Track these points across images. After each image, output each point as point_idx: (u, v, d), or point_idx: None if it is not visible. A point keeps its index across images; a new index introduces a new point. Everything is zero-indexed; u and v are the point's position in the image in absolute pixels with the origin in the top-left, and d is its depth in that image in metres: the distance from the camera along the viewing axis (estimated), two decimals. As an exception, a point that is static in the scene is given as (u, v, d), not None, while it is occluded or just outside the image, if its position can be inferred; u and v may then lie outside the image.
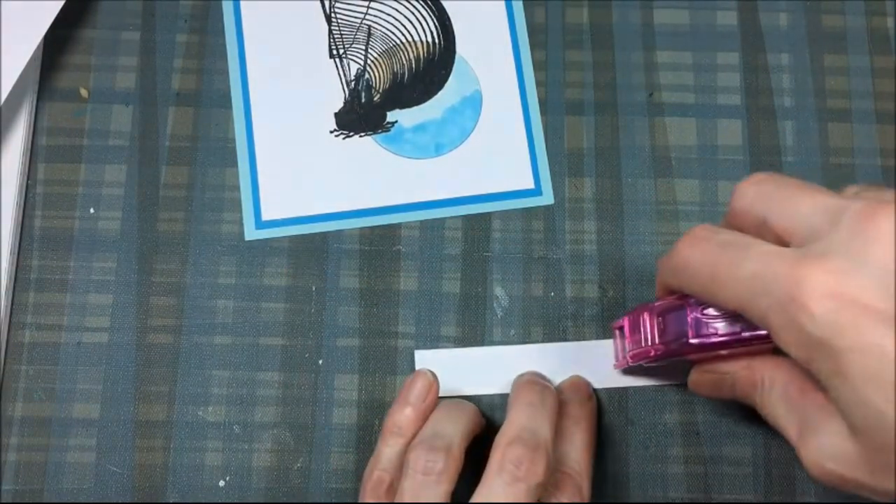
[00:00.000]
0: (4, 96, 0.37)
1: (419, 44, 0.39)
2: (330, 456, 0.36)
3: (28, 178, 0.38)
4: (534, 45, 0.40)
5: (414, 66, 0.39)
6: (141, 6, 0.40)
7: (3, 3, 0.37)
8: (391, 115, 0.39)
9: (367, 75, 0.39)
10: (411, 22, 0.39)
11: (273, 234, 0.38)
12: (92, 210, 0.38)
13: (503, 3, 0.40)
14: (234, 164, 0.39)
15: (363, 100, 0.39)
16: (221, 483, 0.36)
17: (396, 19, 0.40)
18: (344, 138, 0.39)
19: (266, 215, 0.38)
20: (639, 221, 0.38)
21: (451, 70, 0.39)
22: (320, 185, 0.38)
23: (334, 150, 0.39)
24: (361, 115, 0.39)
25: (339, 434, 0.36)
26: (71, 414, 0.36)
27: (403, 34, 0.39)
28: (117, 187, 0.38)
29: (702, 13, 0.41)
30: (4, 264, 0.37)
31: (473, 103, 0.39)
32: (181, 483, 0.36)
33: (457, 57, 0.40)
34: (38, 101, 0.39)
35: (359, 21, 0.39)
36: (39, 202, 0.38)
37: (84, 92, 0.39)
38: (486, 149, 0.39)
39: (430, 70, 0.39)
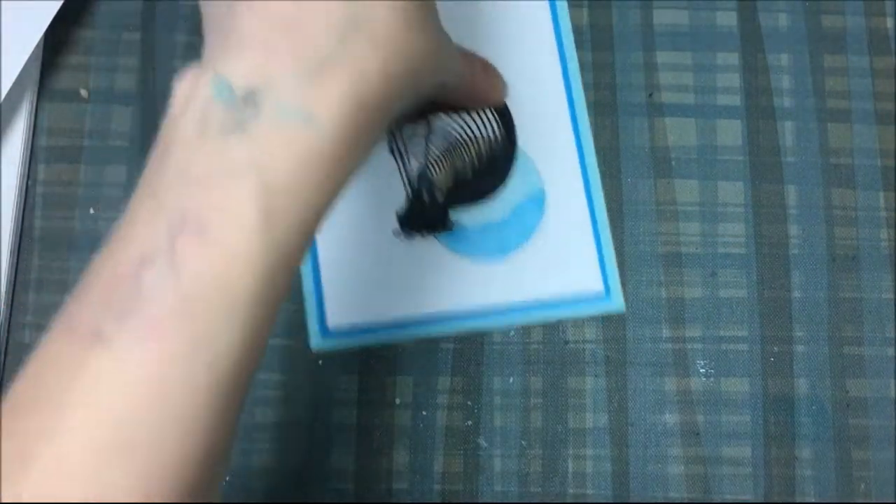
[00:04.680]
0: (4, 96, 0.37)
1: (480, 140, 0.38)
2: (330, 456, 0.36)
3: (28, 179, 0.38)
4: (534, 46, 0.40)
5: (476, 163, 0.38)
6: (141, 6, 0.40)
7: (2, 3, 0.37)
8: (454, 215, 0.38)
9: (429, 173, 0.37)
10: (472, 117, 0.38)
11: (340, 345, 0.37)
12: (92, 210, 0.38)
13: (564, 96, 0.39)
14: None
15: (426, 199, 0.37)
16: (222, 483, 0.36)
17: (457, 114, 0.38)
18: (407, 239, 0.37)
19: (331, 322, 0.37)
20: (639, 221, 0.38)
21: (513, 167, 0.38)
22: (383, 289, 0.37)
23: (397, 252, 0.37)
24: (424, 214, 0.37)
25: (339, 434, 0.36)
26: (71, 414, 0.36)
27: (465, 130, 0.38)
28: (117, 188, 0.38)
29: (702, 13, 0.41)
30: (4, 264, 0.37)
31: (537, 202, 0.38)
32: (181, 483, 0.36)
33: (519, 153, 0.38)
34: (38, 101, 0.39)
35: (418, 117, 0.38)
36: (39, 202, 0.38)
37: (84, 92, 0.39)
38: (551, 250, 0.37)
39: (492, 167, 0.38)
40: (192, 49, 0.40)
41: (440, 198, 0.37)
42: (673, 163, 0.39)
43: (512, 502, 0.36)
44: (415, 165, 0.38)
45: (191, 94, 0.22)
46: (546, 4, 0.39)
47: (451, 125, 0.37)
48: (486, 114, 0.38)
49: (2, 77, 0.37)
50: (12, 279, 0.37)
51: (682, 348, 0.37)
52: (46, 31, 0.38)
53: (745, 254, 0.38)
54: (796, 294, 0.38)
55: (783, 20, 0.41)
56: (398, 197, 0.38)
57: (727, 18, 0.41)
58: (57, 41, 0.40)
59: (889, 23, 0.41)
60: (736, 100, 0.40)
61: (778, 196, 0.39)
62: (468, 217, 0.38)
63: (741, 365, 0.37)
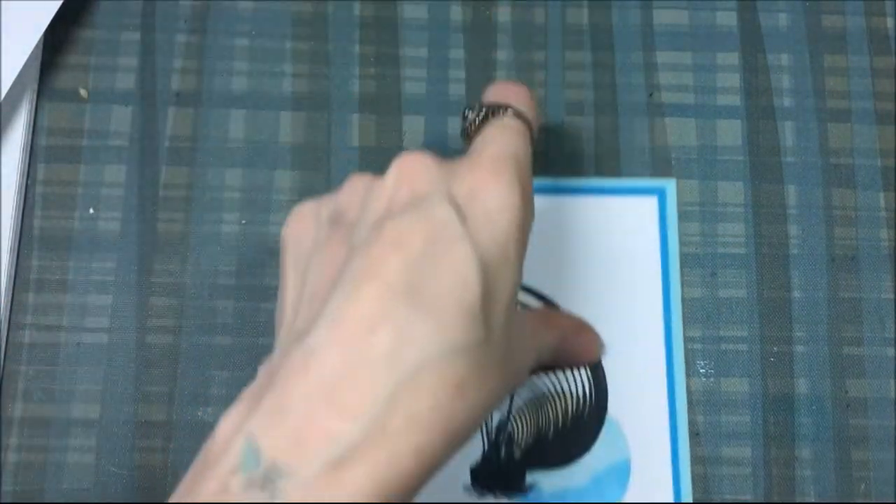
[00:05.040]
0: (4, 96, 0.37)
1: (568, 396, 0.35)
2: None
3: (28, 178, 0.38)
4: (534, 46, 0.40)
5: (561, 421, 0.35)
6: (141, 6, 0.40)
7: (2, 3, 0.37)
8: (530, 476, 0.35)
9: (510, 426, 0.35)
10: (563, 370, 0.36)
11: None
12: (92, 210, 0.38)
13: (664, 365, 0.36)
14: (234, 164, 0.39)
15: (503, 455, 0.35)
16: (221, 483, 0.36)
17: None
18: (477, 496, 0.35)
19: None
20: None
21: (600, 431, 0.35)
22: None
23: None
24: (499, 472, 0.35)
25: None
26: (71, 414, 0.36)
27: (553, 382, 0.35)
28: (117, 188, 0.38)
29: (702, 13, 0.41)
30: (4, 264, 0.37)
31: (621, 474, 0.35)
32: (181, 483, 0.36)
33: (608, 417, 0.36)
34: (37, 101, 0.39)
35: None
36: (39, 202, 0.38)
37: (84, 92, 0.39)
38: None
39: (577, 428, 0.35)
40: (192, 49, 0.40)
41: (518, 455, 0.35)
42: (673, 163, 0.39)
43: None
44: (496, 415, 0.35)
45: (230, 439, 0.22)
46: (659, 277, 0.37)
47: (539, 376, 0.35)
48: (578, 370, 0.36)
49: (2, 77, 0.37)
50: (12, 279, 0.37)
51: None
52: (46, 31, 0.38)
53: (745, 254, 0.38)
54: (796, 294, 0.38)
55: (783, 20, 0.41)
56: (474, 447, 0.35)
57: (727, 18, 0.41)
58: (57, 41, 0.40)
59: (889, 23, 0.41)
60: (736, 100, 0.40)
61: (778, 196, 0.39)
62: (545, 479, 0.35)
63: (741, 365, 0.37)
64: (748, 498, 0.36)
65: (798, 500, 0.36)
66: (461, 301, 0.23)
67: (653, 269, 0.37)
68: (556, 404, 0.35)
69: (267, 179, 0.39)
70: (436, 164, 0.25)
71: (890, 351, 0.37)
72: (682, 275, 0.38)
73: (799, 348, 0.37)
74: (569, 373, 0.35)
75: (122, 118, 0.39)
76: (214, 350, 0.37)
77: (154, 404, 0.36)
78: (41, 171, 0.38)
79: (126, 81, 0.39)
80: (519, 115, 0.28)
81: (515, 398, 0.35)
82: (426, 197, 0.24)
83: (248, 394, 0.23)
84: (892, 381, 0.37)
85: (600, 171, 0.39)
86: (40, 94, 0.39)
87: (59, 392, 0.36)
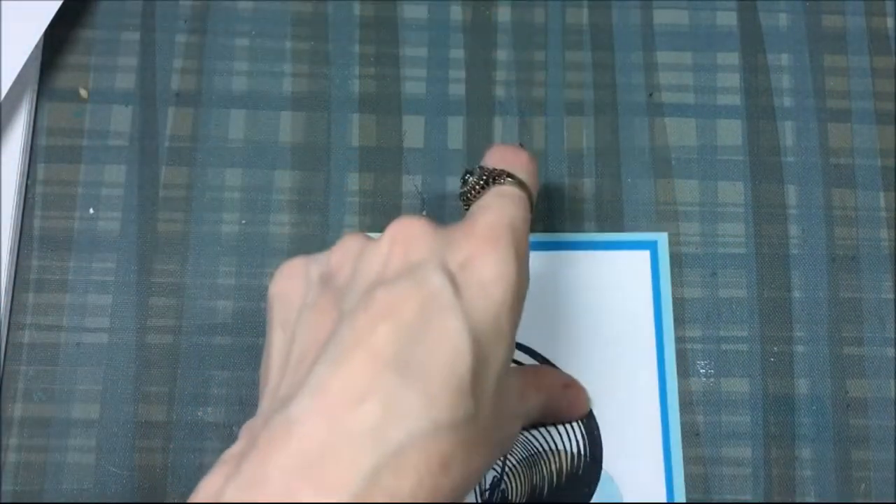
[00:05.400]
0: (4, 96, 0.37)
1: (563, 453, 0.35)
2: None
3: (28, 179, 0.38)
4: (534, 46, 0.40)
5: (555, 479, 0.35)
6: (141, 6, 0.40)
7: (2, 3, 0.37)
8: None
9: (503, 485, 0.35)
10: (556, 427, 0.35)
11: None
12: (91, 210, 0.38)
13: (659, 421, 0.36)
14: (234, 164, 0.39)
15: None
16: (221, 483, 0.36)
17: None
18: None
19: None
20: (639, 222, 0.38)
21: (594, 489, 0.35)
22: None
23: None
24: None
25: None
26: (71, 414, 0.36)
27: (546, 440, 0.35)
28: (117, 188, 0.38)
29: (702, 13, 0.41)
30: (4, 264, 0.37)
31: None
32: (181, 483, 0.36)
33: (603, 474, 0.35)
34: (37, 101, 0.39)
35: None
36: (39, 202, 0.38)
37: (84, 92, 0.39)
38: None
39: (572, 486, 0.35)
40: (192, 49, 0.40)
41: None
42: (673, 163, 0.39)
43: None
44: (489, 473, 0.35)
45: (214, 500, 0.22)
46: (652, 330, 0.37)
47: (531, 433, 0.35)
48: (571, 426, 0.35)
49: (2, 77, 0.37)
50: (12, 279, 0.37)
51: (683, 348, 0.37)
52: (46, 30, 0.38)
53: (745, 254, 0.38)
54: (796, 294, 0.38)
55: (783, 20, 0.41)
56: None
57: (727, 18, 0.41)
58: (57, 41, 0.40)
59: (889, 23, 0.41)
60: (736, 100, 0.40)
61: (778, 196, 0.39)
62: None
63: (741, 365, 0.37)
64: (748, 498, 0.36)
65: (798, 501, 0.36)
66: (451, 375, 0.22)
67: (646, 321, 0.37)
68: (550, 461, 0.35)
69: (267, 179, 0.39)
70: (432, 231, 0.25)
71: (890, 351, 0.37)
72: (683, 275, 0.38)
73: (799, 348, 0.37)
74: (562, 429, 0.35)
75: (122, 118, 0.39)
76: (214, 350, 0.37)
77: (154, 404, 0.36)
78: (41, 171, 0.38)
79: (126, 81, 0.39)
80: (518, 182, 0.28)
81: (509, 456, 0.35)
82: (420, 265, 0.24)
83: (228, 456, 0.23)
84: (892, 381, 0.37)
85: (600, 172, 0.39)
86: (40, 94, 0.39)
87: (59, 392, 0.36)
